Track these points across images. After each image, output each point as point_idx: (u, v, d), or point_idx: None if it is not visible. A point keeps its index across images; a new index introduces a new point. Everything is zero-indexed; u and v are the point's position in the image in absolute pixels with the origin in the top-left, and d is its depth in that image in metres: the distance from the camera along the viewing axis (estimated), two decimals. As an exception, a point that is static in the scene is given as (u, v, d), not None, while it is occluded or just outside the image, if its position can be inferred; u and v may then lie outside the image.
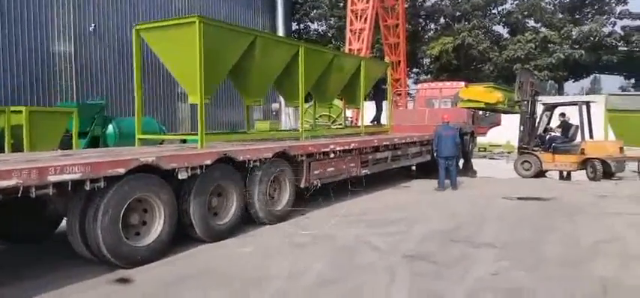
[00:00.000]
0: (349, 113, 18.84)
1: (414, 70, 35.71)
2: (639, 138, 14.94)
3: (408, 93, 25.20)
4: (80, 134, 13.42)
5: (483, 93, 14.73)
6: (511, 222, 7.34)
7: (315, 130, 12.03)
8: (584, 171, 12.42)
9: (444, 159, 10.82)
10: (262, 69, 8.74)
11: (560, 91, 35.07)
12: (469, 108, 15.56)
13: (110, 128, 15.41)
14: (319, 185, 8.49)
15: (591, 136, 12.72)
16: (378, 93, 13.74)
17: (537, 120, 13.33)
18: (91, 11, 19.27)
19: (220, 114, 23.97)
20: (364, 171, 10.08)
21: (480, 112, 19.23)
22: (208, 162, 5.98)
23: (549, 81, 37.82)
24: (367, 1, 21.76)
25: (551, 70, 30.83)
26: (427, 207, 8.76)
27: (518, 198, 9.54)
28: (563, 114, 13.35)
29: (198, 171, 5.87)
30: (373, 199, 9.66)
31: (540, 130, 13.32)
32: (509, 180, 12.63)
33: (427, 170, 13.70)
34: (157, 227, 5.44)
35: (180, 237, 5.89)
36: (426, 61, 34.08)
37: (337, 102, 14.50)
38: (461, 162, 16.86)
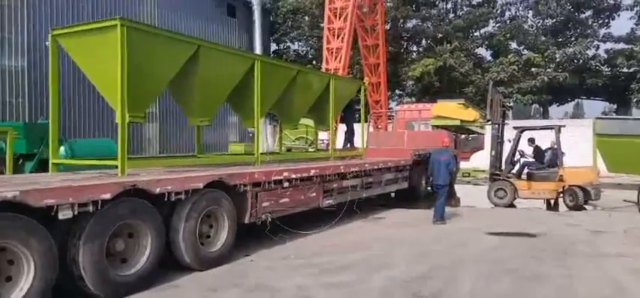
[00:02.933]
0: (325, 135, 17.61)
1: (397, 91, 34.80)
2: (629, 164, 13.98)
3: (390, 116, 24.17)
4: (28, 156, 12.12)
5: (457, 109, 13.69)
6: (492, 268, 6.10)
7: (280, 154, 10.83)
8: (562, 198, 11.68)
9: (434, 186, 9.70)
10: (209, 84, 7.54)
11: (544, 115, 34.39)
12: (442, 126, 14.48)
13: (61, 150, 14.00)
14: (269, 220, 7.20)
15: (562, 162, 11.87)
16: (348, 114, 12.57)
17: (513, 145, 12.27)
18: (48, 26, 17.95)
19: (188, 135, 22.61)
20: (327, 202, 8.82)
21: (463, 136, 18.28)
22: (106, 195, 4.67)
23: (533, 105, 37.27)
24: (345, 20, 20.79)
25: (535, 94, 30.11)
26: (396, 245, 7.49)
27: (502, 234, 8.35)
28: (532, 140, 12.47)
29: (91, 208, 4.55)
30: (336, 234, 8.38)
31: (516, 156, 12.27)
32: (494, 210, 11.47)
33: (407, 198, 12.57)
34: (24, 286, 4.09)
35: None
36: (409, 83, 33.21)
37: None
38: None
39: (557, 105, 36.84)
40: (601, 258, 6.62)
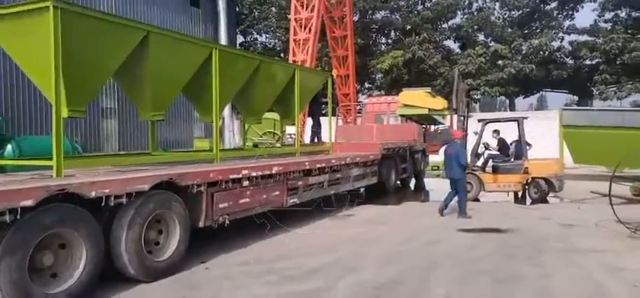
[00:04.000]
0: (293, 130, 17.05)
1: (366, 84, 34.54)
2: (596, 156, 14.03)
3: (359, 109, 23.80)
4: None
5: (425, 97, 13.36)
6: (466, 269, 5.71)
7: (243, 150, 10.24)
8: (527, 191, 11.62)
9: (450, 181, 9.46)
10: (161, 75, 6.85)
11: (511, 107, 34.82)
12: (410, 116, 14.14)
13: (8, 148, 12.98)
14: (227, 222, 6.62)
15: (526, 154, 11.81)
16: (314, 107, 12.05)
17: (478, 138, 12.07)
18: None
19: (162, 131, 21.67)
20: (292, 200, 8.29)
21: (432, 129, 18.05)
22: (28, 202, 4.00)
23: (500, 97, 37.69)
24: (312, 11, 20.23)
25: (502, 85, 30.38)
26: (365, 245, 7.05)
27: (474, 230, 8.03)
28: (497, 132, 12.36)
29: (8, 218, 3.88)
30: (301, 235, 7.86)
31: (480, 148, 12.08)
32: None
33: (378, 193, 12.20)
34: None
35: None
36: (378, 75, 32.99)
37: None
38: (412, 183, 15.54)
39: (523, 97, 37.39)
40: (576, 255, 6.34)
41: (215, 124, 8.02)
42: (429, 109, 13.65)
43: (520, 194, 12.11)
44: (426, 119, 14.69)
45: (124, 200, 4.97)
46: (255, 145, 16.03)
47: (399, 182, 14.09)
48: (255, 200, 7.26)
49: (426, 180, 16.18)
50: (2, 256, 3.88)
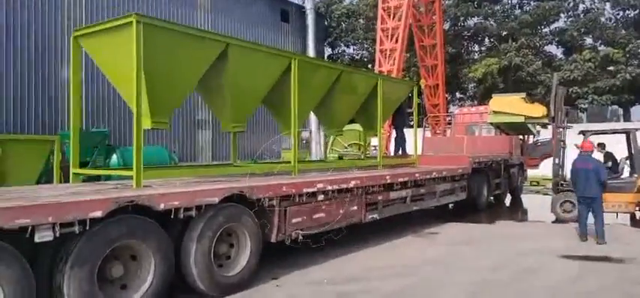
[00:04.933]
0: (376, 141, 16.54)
1: (457, 94, 32.97)
2: None
3: (449, 121, 22.67)
4: (81, 164, 12.19)
5: (520, 103, 11.98)
6: (570, 306, 4.87)
7: (325, 162, 10.04)
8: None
9: (582, 200, 8.33)
10: (241, 86, 6.84)
11: (625, 117, 31.12)
12: (502, 124, 12.84)
13: (114, 158, 14.15)
14: (301, 238, 6.35)
15: (634, 170, 10.19)
16: (398, 118, 11.48)
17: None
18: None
19: (252, 141, 22.38)
20: (371, 216, 7.84)
21: (531, 140, 16.56)
22: (96, 214, 4.02)
23: (612, 106, 33.95)
24: (399, 20, 19.69)
25: (615, 93, 27.22)
26: (449, 270, 6.39)
27: (581, 258, 6.98)
28: (602, 145, 10.77)
29: (77, 229, 3.92)
30: (379, 253, 7.39)
31: None
32: (565, 226, 9.93)
33: (468, 210, 11.32)
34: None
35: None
36: (471, 85, 31.29)
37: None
38: (508, 199, 14.27)
39: (640, 106, 33.27)
40: None
41: (294, 136, 7.83)
42: (526, 117, 12.25)
43: (638, 216, 10.50)
44: (520, 128, 13.26)
45: (194, 213, 4.90)
46: (340, 157, 15.80)
47: (492, 198, 13.00)
48: (331, 215, 6.93)
49: (523, 196, 14.80)
50: (72, 266, 3.92)
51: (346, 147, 18.77)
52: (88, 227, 3.99)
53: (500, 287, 5.60)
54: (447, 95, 24.36)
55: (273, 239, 5.98)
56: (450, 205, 11.49)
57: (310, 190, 6.48)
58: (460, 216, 10.85)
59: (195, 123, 21.71)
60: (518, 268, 6.44)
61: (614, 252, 7.25)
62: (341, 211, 7.15)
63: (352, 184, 7.27)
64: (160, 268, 4.58)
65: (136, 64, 5.23)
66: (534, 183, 18.21)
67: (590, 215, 8.22)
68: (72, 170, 6.53)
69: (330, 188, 6.81)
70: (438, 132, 22.43)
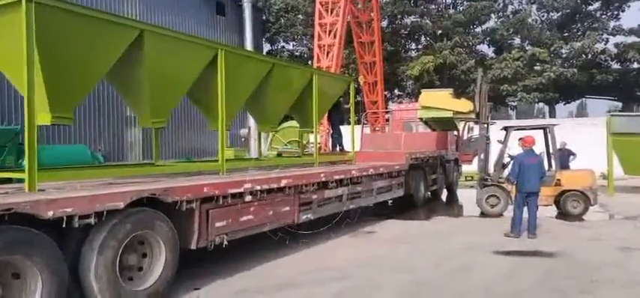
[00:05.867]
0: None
1: (395, 91, 33.44)
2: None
3: (388, 118, 22.79)
4: None
5: (449, 99, 12.05)
6: (504, 306, 4.71)
7: (256, 160, 9.52)
8: (558, 204, 10.46)
9: (524, 196, 8.26)
10: (161, 78, 6.16)
11: (551, 114, 32.94)
12: (431, 119, 12.88)
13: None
14: (226, 243, 5.82)
15: (551, 165, 10.56)
16: (334, 114, 11.17)
17: (502, 147, 10.79)
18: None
19: (189, 138, 21.30)
20: (305, 217, 7.43)
21: (465, 137, 16.87)
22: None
23: (538, 104, 35.85)
24: (337, 15, 19.44)
25: (541, 91, 28.67)
26: (384, 271, 6.10)
27: (513, 253, 6.96)
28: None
29: None
30: (313, 255, 7.01)
31: (506, 158, 10.74)
32: (499, 220, 10.03)
33: (405, 207, 11.22)
34: None
35: None
36: (408, 82, 31.83)
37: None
38: (444, 194, 14.41)
39: (564, 104, 35.37)
40: (641, 289, 5.22)
41: (221, 132, 7.24)
42: (455, 112, 12.30)
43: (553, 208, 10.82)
44: (447, 125, 13.34)
45: (93, 220, 4.23)
46: (280, 154, 15.30)
47: (429, 194, 13.04)
48: (261, 216, 6.44)
49: (458, 191, 15.04)
50: None
51: (286, 145, 18.29)
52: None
53: (437, 287, 5.39)
54: (385, 92, 24.47)
55: (193, 246, 5.40)
56: (389, 202, 11.35)
57: (236, 191, 5.96)
58: (399, 213, 10.72)
59: (124, 120, 20.33)
60: (453, 266, 6.29)
61: (544, 246, 7.31)
62: (271, 212, 6.68)
63: (283, 183, 6.82)
64: (49, 286, 3.89)
65: (27, 49, 4.50)
66: (469, 178, 18.65)
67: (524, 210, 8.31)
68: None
69: (258, 188, 6.32)
70: (377, 128, 22.48)
